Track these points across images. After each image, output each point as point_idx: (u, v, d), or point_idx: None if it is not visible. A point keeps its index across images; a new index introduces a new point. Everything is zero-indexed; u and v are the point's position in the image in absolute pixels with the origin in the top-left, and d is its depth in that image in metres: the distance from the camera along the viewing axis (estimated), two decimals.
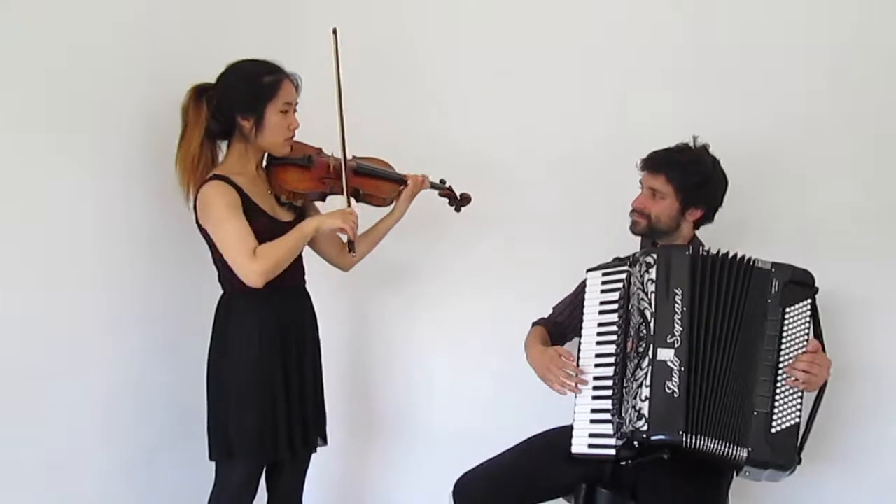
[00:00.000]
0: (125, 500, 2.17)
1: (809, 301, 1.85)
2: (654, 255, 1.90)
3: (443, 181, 2.31)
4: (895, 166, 2.20)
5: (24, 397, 1.88)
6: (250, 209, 1.96)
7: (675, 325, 1.82)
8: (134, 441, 2.18)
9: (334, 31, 2.02)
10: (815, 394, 1.86)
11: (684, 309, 1.83)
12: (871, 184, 2.22)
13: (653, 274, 1.88)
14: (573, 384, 1.95)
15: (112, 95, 2.08)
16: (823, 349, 1.85)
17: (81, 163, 2.01)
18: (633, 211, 2.07)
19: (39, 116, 1.91)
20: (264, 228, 1.95)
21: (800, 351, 1.82)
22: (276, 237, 1.96)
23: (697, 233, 2.09)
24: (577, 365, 1.98)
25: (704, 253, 1.89)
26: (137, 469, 2.20)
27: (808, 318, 1.84)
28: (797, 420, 1.78)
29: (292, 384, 2.03)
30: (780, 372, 1.81)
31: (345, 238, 2.04)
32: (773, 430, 1.77)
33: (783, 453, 1.76)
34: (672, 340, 1.81)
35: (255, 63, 1.99)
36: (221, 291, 2.05)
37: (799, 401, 1.79)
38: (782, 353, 1.82)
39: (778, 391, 1.80)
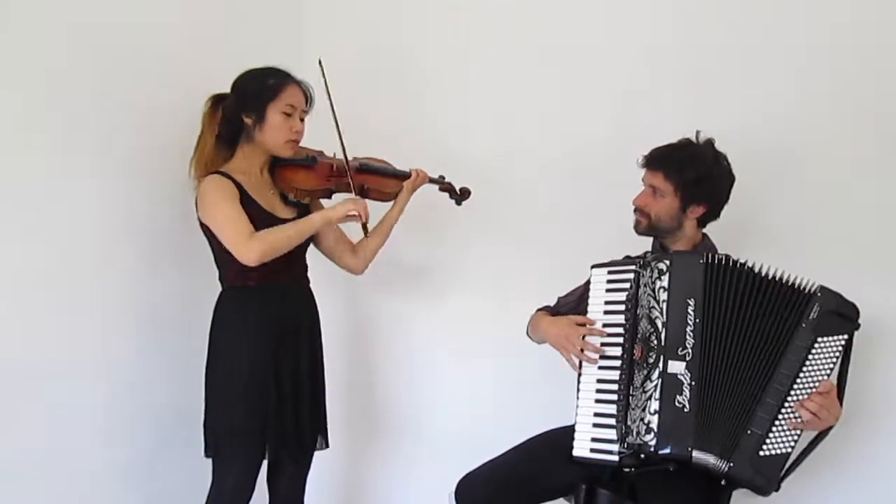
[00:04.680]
0: (125, 501, 2.17)
1: (846, 336, 1.75)
2: (668, 262, 1.84)
3: (441, 176, 2.35)
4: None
5: (23, 397, 1.89)
6: (247, 203, 1.97)
7: (687, 337, 1.78)
8: (133, 441, 2.18)
9: (320, 63, 2.09)
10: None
11: (697, 321, 1.78)
12: (872, 183, 2.19)
13: (665, 281, 1.82)
14: (595, 356, 1.90)
15: (113, 96, 2.08)
16: (841, 394, 1.78)
17: (82, 163, 2.02)
18: (635, 210, 2.02)
19: (40, 116, 1.90)
20: (259, 220, 1.96)
21: (815, 384, 1.73)
22: None
23: (707, 232, 2.04)
24: (580, 365, 1.95)
25: (719, 261, 1.82)
26: (137, 469, 2.20)
27: (838, 354, 1.75)
28: (789, 450, 1.72)
29: (285, 384, 2.02)
30: (788, 400, 1.74)
31: (358, 224, 2.05)
32: (762, 454, 1.72)
33: (763, 477, 1.71)
34: (683, 353, 1.77)
35: (265, 68, 2.05)
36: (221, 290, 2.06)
37: (798, 433, 1.73)
38: (799, 380, 1.74)
39: (779, 418, 1.73)
